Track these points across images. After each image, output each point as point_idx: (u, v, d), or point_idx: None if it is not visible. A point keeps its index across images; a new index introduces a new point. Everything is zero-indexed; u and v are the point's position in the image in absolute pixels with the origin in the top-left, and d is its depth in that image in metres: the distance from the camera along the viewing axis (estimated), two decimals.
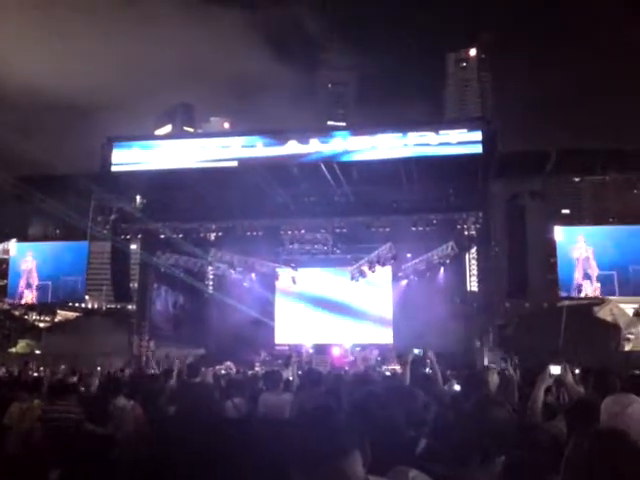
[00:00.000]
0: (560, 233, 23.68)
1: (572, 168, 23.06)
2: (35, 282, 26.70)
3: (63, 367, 16.83)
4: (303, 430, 2.14)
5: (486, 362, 20.05)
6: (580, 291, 23.55)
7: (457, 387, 6.54)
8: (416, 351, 6.63)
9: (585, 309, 24.04)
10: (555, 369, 4.70)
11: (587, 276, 23.03)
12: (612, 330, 23.45)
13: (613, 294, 23.51)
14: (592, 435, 1.90)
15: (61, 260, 26.79)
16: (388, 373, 15.78)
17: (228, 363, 15.69)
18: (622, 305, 24.57)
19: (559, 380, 5.53)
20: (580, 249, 22.89)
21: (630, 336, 24.38)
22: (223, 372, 15.67)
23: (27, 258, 26.77)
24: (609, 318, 24.13)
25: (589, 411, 3.57)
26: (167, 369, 10.76)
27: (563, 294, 23.70)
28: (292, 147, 21.24)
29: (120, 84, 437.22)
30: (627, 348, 23.61)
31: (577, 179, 26.60)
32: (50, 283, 26.63)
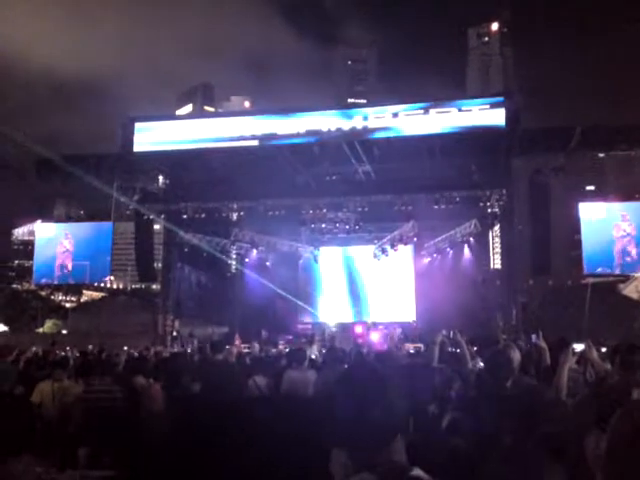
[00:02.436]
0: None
1: (596, 143, 22.70)
2: (70, 263, 26.71)
3: (91, 347, 17.08)
4: (352, 409, 1.92)
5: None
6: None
7: (482, 364, 6.53)
8: (444, 332, 6.62)
9: (610, 286, 23.84)
10: (578, 347, 4.66)
11: (627, 253, 22.48)
12: (638, 307, 23.24)
13: None
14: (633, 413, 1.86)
15: (95, 240, 26.85)
16: (412, 351, 15.80)
17: (237, 342, 15.67)
18: None
19: (584, 357, 5.49)
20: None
21: None
22: (247, 350, 15.80)
23: (65, 239, 26.83)
24: (635, 295, 23.92)
25: (616, 387, 3.54)
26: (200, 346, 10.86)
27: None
28: (313, 124, 21.15)
29: (141, 65, 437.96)
30: None
31: (601, 155, 26.16)
32: (88, 263, 26.75)
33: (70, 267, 26.60)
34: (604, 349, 7.87)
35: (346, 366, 6.37)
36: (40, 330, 33.64)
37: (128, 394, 6.59)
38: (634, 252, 22.21)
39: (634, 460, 1.55)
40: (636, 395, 3.14)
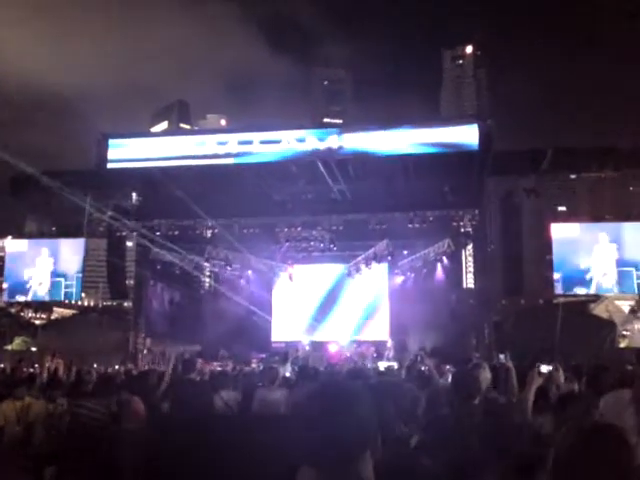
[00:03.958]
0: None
1: (567, 165, 23.09)
2: (47, 279, 26.21)
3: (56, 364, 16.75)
4: (320, 426, 1.92)
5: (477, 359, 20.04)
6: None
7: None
8: (413, 354, 6.68)
9: (581, 306, 24.11)
10: (546, 368, 4.72)
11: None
12: (608, 327, 23.49)
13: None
14: (588, 430, 1.88)
15: (67, 257, 26.41)
16: (382, 369, 15.78)
17: (201, 362, 15.27)
18: (618, 302, 24.66)
19: (551, 378, 5.55)
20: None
21: (626, 333, 24.48)
22: (219, 368, 15.65)
23: (39, 255, 26.36)
24: (605, 315, 24.20)
25: (578, 406, 3.58)
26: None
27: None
28: (288, 144, 21.21)
29: (116, 81, 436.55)
30: (622, 345, 23.69)
31: (573, 176, 26.54)
32: (63, 280, 26.33)
33: (46, 284, 26.18)
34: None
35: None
36: (8, 347, 33.00)
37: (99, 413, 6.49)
38: (612, 272, 22.45)
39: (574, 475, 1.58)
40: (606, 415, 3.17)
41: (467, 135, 20.23)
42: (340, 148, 20.84)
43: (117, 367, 18.35)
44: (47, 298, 27.15)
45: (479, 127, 20.31)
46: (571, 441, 1.77)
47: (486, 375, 4.27)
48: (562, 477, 1.65)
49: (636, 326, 24.72)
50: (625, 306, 24.79)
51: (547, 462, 2.80)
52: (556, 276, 22.94)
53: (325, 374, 8.83)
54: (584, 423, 2.05)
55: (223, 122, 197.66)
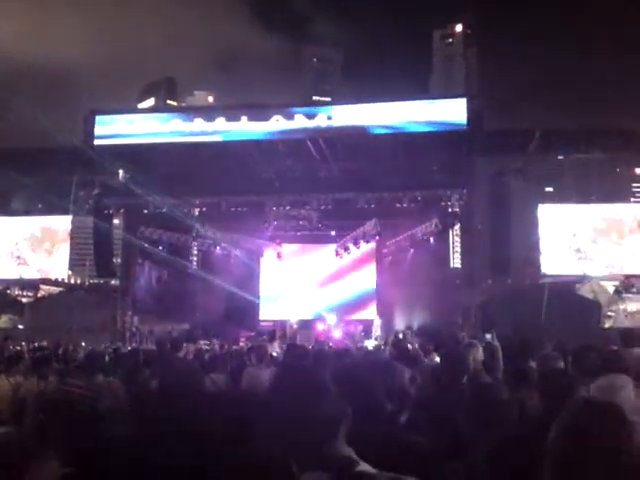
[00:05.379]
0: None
1: (556, 147, 23.15)
2: (34, 257, 25.98)
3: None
4: (289, 409, 1.98)
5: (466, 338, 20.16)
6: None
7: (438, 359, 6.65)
8: (400, 335, 6.72)
9: (566, 286, 24.22)
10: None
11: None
12: (593, 307, 23.62)
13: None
14: (587, 409, 1.88)
15: (55, 235, 26.17)
16: (370, 348, 15.87)
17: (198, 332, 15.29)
18: (603, 283, 24.78)
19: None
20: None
21: (611, 313, 24.62)
22: (207, 347, 15.69)
23: (27, 232, 26.08)
24: (590, 295, 24.31)
25: (567, 384, 3.61)
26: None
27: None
28: (277, 122, 21.09)
29: (103, 57, 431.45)
30: (607, 325, 23.85)
31: (561, 157, 26.60)
32: (51, 258, 26.13)
33: (33, 262, 26.01)
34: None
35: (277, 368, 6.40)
36: None
37: (87, 390, 6.48)
38: (597, 253, 22.59)
39: (576, 454, 1.58)
40: (583, 392, 3.21)
41: (456, 113, 20.22)
42: (329, 125, 20.79)
43: (104, 346, 18.30)
44: (34, 276, 27.02)
45: (468, 106, 20.30)
46: (570, 420, 1.77)
47: (479, 354, 4.31)
48: (561, 457, 1.66)
49: (621, 307, 24.89)
50: (610, 287, 24.92)
51: (535, 439, 2.83)
52: (542, 257, 23.09)
53: (313, 354, 8.85)
54: (579, 401, 2.06)
55: (211, 99, 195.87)
